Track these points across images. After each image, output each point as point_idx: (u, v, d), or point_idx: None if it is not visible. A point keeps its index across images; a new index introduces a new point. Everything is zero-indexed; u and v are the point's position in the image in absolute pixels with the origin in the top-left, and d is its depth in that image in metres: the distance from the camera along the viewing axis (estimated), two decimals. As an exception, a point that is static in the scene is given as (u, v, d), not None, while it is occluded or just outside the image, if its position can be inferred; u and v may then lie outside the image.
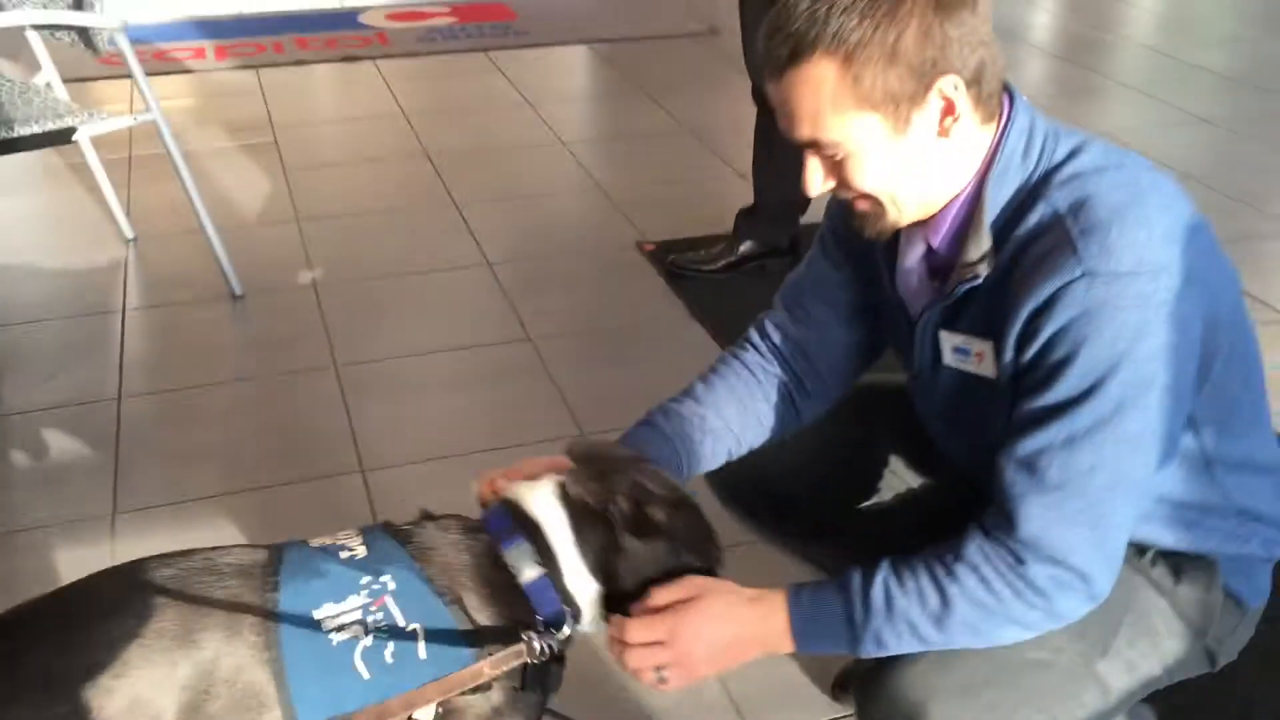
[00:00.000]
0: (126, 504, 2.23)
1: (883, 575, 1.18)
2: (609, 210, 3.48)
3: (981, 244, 1.17)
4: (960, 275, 1.20)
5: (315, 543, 1.23)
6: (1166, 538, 1.27)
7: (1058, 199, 1.13)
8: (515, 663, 1.16)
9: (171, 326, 2.88)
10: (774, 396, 1.44)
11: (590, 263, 3.18)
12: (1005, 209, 1.17)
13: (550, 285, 3.05)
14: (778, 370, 1.45)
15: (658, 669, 1.21)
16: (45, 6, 2.69)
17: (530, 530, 1.22)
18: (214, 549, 1.20)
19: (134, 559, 1.19)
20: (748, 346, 1.48)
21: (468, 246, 3.25)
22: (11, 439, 2.45)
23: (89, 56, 2.78)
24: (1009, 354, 1.15)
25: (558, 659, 1.21)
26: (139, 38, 5.03)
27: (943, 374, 1.26)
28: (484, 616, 1.19)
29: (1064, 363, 1.10)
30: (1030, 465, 1.12)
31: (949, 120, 1.14)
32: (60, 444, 2.43)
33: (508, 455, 1.36)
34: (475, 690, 1.16)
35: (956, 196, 1.21)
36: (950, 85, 1.12)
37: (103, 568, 1.20)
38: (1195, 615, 1.28)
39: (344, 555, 1.20)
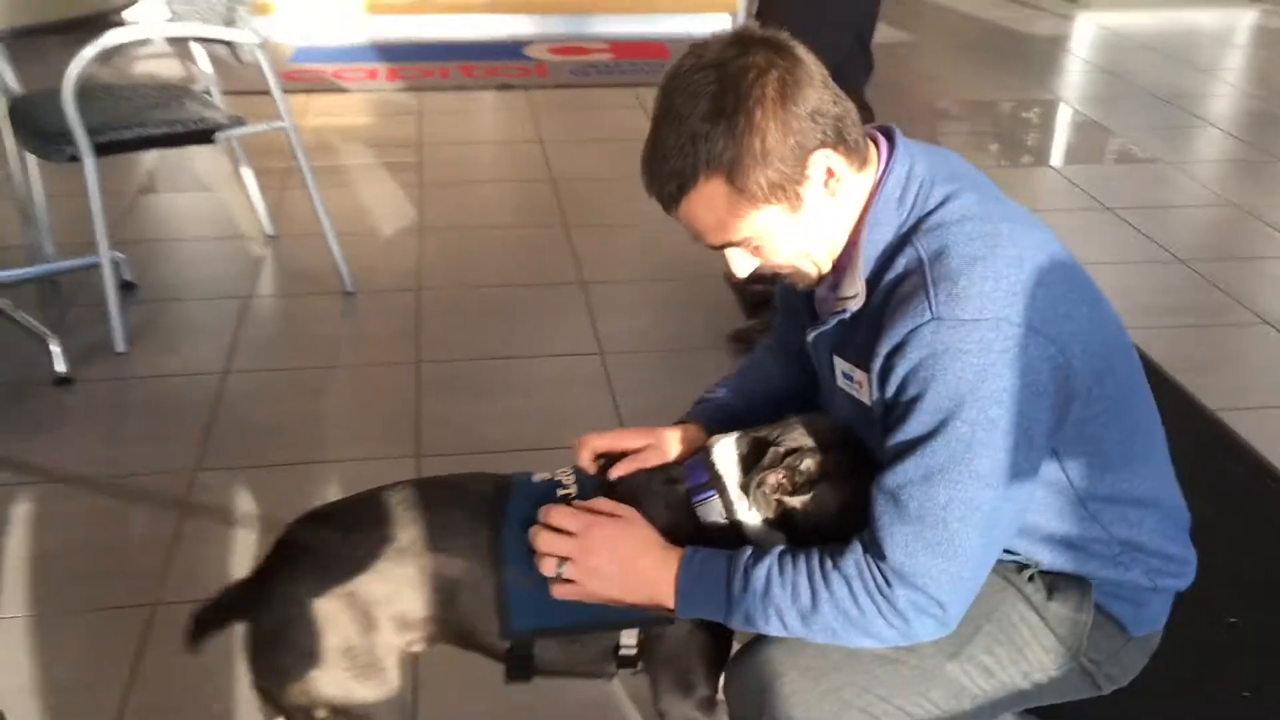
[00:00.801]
0: (210, 463, 2.50)
1: (770, 560, 1.26)
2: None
3: (855, 283, 1.27)
4: (833, 307, 1.30)
5: (537, 478, 1.42)
6: (1046, 559, 1.33)
7: (922, 245, 1.22)
8: None
9: (285, 315, 3.18)
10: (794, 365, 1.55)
11: (679, 289, 3.32)
12: (883, 251, 1.26)
13: (634, 306, 3.21)
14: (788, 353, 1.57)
15: (560, 561, 1.31)
16: (205, 21, 3.03)
17: (718, 484, 1.36)
18: (464, 475, 1.45)
19: (403, 480, 1.44)
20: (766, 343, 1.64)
21: (567, 265, 3.44)
22: (128, 397, 2.77)
23: (243, 66, 3.11)
24: (875, 388, 1.24)
25: None
26: (324, 57, 5.51)
27: (838, 395, 1.35)
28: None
29: (915, 400, 1.18)
30: (894, 497, 1.20)
31: (832, 182, 1.25)
32: (166, 406, 2.73)
33: (550, 457, 1.52)
34: (667, 621, 1.33)
35: (851, 237, 1.31)
36: (822, 157, 1.23)
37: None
38: (1065, 632, 1.33)
39: (560, 493, 1.39)
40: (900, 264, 1.23)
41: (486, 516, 1.39)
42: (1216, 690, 1.75)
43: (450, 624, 1.41)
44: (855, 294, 1.27)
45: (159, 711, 1.89)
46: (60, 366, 2.79)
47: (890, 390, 1.21)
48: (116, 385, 2.81)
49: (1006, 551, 1.32)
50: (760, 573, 1.26)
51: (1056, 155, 4.63)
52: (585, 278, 3.36)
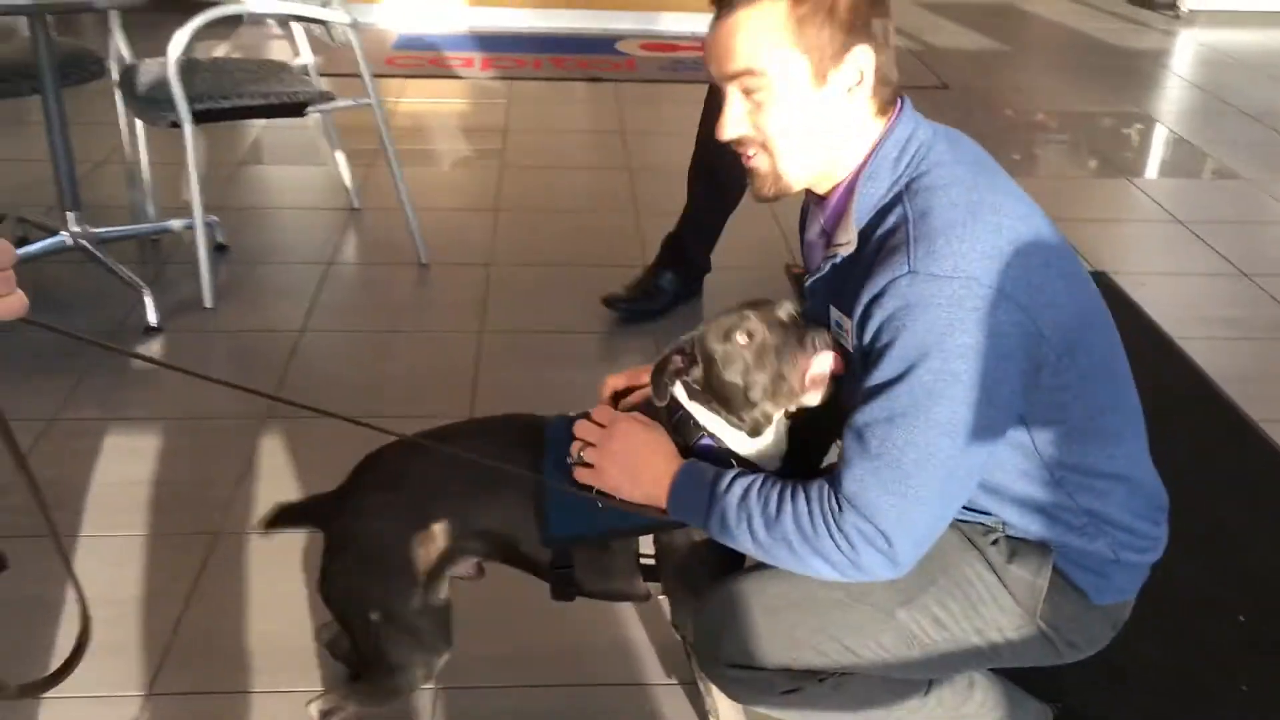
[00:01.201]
0: (276, 411, 2.68)
1: (753, 477, 1.37)
2: (773, 233, 3.72)
3: (849, 232, 1.36)
4: (827, 253, 1.39)
5: (573, 414, 1.60)
6: (1015, 520, 1.40)
7: (910, 204, 1.31)
8: None
9: (362, 281, 3.36)
10: None
11: (735, 276, 3.42)
12: (876, 205, 1.35)
13: (692, 291, 3.33)
14: None
15: (584, 446, 1.47)
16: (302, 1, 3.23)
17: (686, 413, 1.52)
18: (512, 415, 1.66)
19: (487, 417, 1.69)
20: None
21: (633, 249, 3.57)
22: (212, 348, 2.98)
23: (335, 45, 3.31)
24: (855, 335, 1.34)
25: None
26: (424, 45, 5.73)
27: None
28: None
29: (887, 347, 1.27)
30: (859, 434, 1.29)
31: (857, 89, 1.33)
32: (246, 357, 2.93)
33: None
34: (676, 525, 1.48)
35: (840, 183, 1.39)
36: (864, 55, 1.32)
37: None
38: (1023, 594, 1.40)
39: None
40: (890, 220, 1.31)
41: (529, 441, 1.57)
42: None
43: (501, 537, 1.57)
44: (848, 241, 1.35)
45: (213, 627, 2.07)
46: (151, 317, 3.01)
47: (867, 337, 1.30)
48: (201, 336, 3.02)
49: (978, 512, 1.41)
50: (740, 483, 1.37)
51: (1136, 168, 4.61)
52: (648, 261, 3.48)
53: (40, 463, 2.46)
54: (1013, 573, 1.41)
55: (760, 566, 1.48)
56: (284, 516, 1.65)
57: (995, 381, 1.26)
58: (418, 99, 4.95)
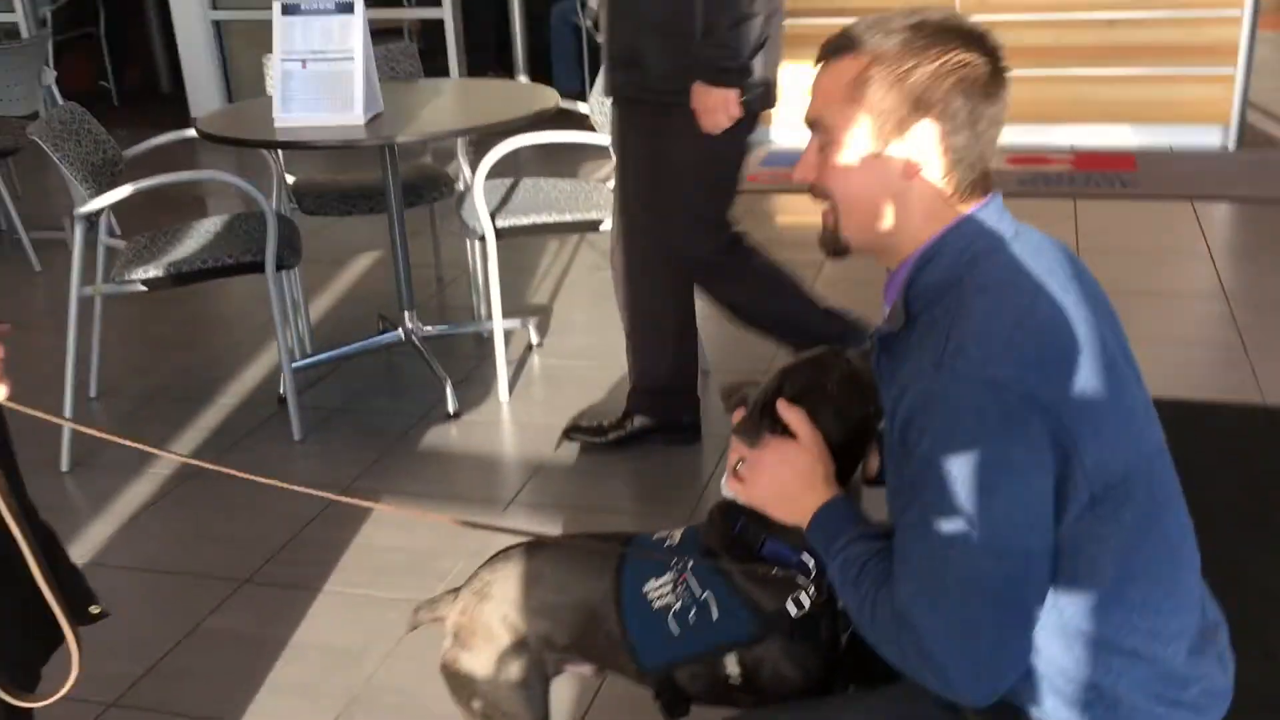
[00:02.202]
0: (521, 499, 2.95)
1: (878, 546, 1.31)
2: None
3: (897, 309, 1.32)
4: (880, 328, 1.36)
5: (656, 536, 1.69)
6: (1046, 703, 1.29)
7: (959, 300, 1.25)
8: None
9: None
10: None
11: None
12: (930, 289, 1.29)
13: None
14: None
15: (740, 460, 1.48)
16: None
17: None
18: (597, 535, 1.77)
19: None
20: None
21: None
22: (487, 438, 3.32)
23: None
24: (887, 419, 1.30)
25: (821, 612, 1.50)
26: (782, 162, 5.93)
27: None
28: (751, 584, 1.52)
29: (907, 451, 1.23)
30: (900, 543, 1.25)
31: (919, 162, 1.29)
32: (504, 451, 3.24)
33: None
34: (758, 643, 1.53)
35: (907, 259, 1.33)
36: (928, 131, 1.28)
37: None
38: None
39: (666, 544, 1.66)
40: (938, 311, 1.27)
41: (613, 568, 1.63)
42: None
43: (593, 653, 1.67)
44: (894, 319, 1.32)
45: (397, 686, 2.32)
46: (450, 406, 3.41)
47: (896, 433, 1.26)
48: (484, 427, 3.37)
49: None
50: (854, 557, 1.33)
51: None
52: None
53: (325, 524, 2.88)
54: None
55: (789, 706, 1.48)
56: (421, 611, 1.81)
57: (1034, 498, 1.18)
58: (749, 213, 5.17)
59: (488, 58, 7.76)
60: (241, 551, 2.79)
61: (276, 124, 3.19)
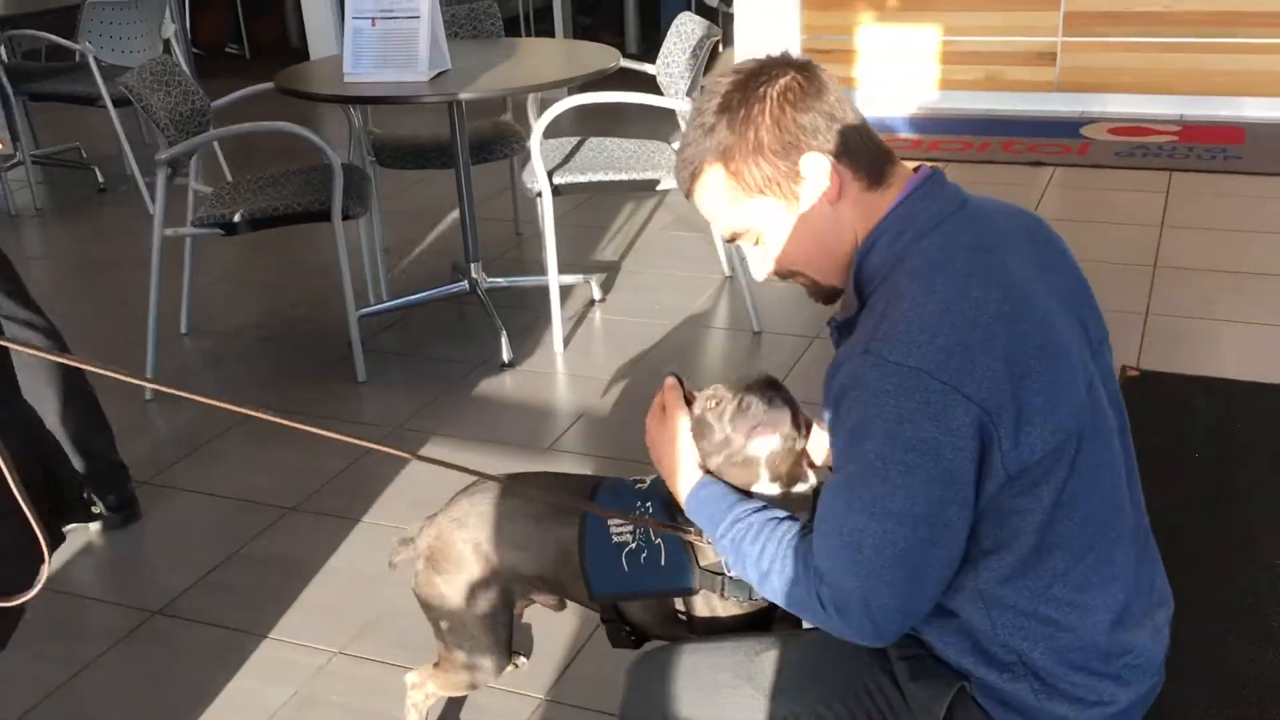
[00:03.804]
0: (561, 445, 3.06)
1: (767, 516, 1.38)
2: (1127, 334, 3.45)
3: (848, 295, 1.37)
4: (836, 317, 1.41)
5: (634, 478, 1.74)
6: (932, 638, 1.34)
7: (893, 285, 1.28)
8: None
9: (697, 344, 3.66)
10: None
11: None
12: (874, 275, 1.33)
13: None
14: None
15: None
16: (670, 92, 3.62)
17: None
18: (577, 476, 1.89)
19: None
20: None
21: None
22: (539, 387, 3.45)
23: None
24: (823, 403, 1.34)
25: None
26: (880, 128, 5.90)
27: None
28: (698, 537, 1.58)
29: (841, 424, 1.27)
30: (824, 507, 1.30)
31: (832, 194, 1.33)
32: (557, 397, 3.36)
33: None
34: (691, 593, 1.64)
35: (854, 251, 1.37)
36: (815, 160, 1.32)
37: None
38: (922, 716, 1.34)
39: (637, 485, 1.77)
40: (878, 295, 1.30)
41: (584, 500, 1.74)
42: None
43: (557, 584, 1.78)
44: (845, 305, 1.37)
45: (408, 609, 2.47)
46: (505, 354, 3.54)
47: (829, 410, 1.30)
48: (537, 376, 3.50)
49: None
50: (755, 519, 1.38)
51: None
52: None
53: (376, 460, 3.03)
54: (913, 690, 1.35)
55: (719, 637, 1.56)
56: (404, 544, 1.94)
57: (954, 478, 1.22)
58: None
59: (599, 21, 7.86)
60: (294, 481, 2.97)
61: (346, 79, 3.35)
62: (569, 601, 1.84)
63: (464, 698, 2.13)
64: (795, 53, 1.38)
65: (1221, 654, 2.14)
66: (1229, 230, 4.37)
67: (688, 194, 1.42)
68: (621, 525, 1.66)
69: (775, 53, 1.38)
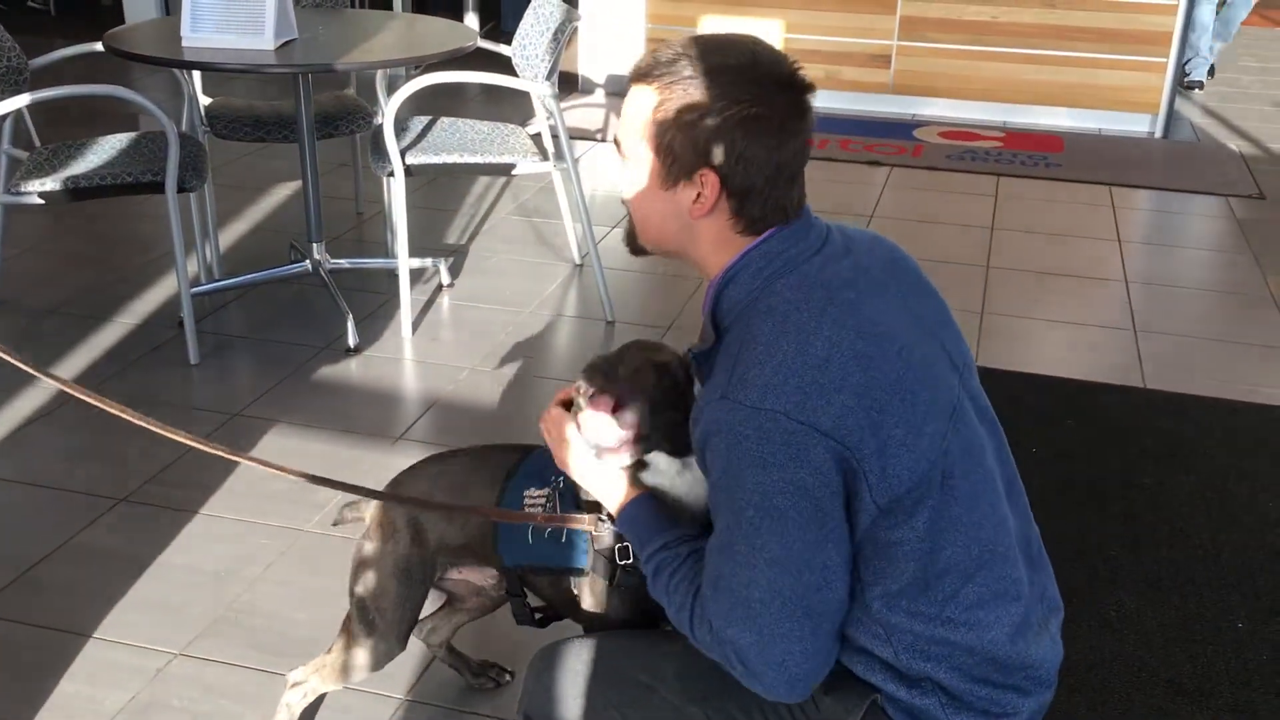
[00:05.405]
0: (410, 435, 2.97)
1: (690, 549, 1.35)
2: (966, 333, 3.58)
3: (706, 329, 1.37)
4: (694, 347, 1.40)
5: None
6: (841, 657, 1.33)
7: (748, 324, 1.28)
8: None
9: (549, 330, 3.61)
10: None
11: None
12: (731, 310, 1.33)
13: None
14: None
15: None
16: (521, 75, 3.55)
17: None
18: (507, 445, 1.80)
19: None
20: None
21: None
22: (384, 373, 3.34)
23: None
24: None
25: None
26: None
27: None
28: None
29: (710, 472, 1.27)
30: (708, 561, 1.29)
31: (701, 205, 1.31)
32: (401, 385, 3.26)
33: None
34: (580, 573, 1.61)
35: (713, 280, 1.36)
36: (711, 182, 1.29)
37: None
38: None
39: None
40: (732, 332, 1.31)
41: (503, 476, 1.71)
42: None
43: (480, 553, 1.73)
44: (703, 338, 1.37)
45: (259, 609, 2.34)
46: (351, 340, 3.41)
47: (697, 449, 1.30)
48: (384, 361, 3.38)
49: None
50: (679, 552, 1.36)
51: None
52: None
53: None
54: (827, 704, 1.35)
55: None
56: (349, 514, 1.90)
57: (826, 517, 1.22)
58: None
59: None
60: (124, 471, 2.79)
61: (184, 43, 3.15)
62: (478, 607, 1.86)
63: (321, 700, 2.03)
64: (785, 63, 1.33)
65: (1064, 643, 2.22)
66: (1052, 234, 4.59)
67: (635, 72, 1.36)
68: (536, 495, 1.65)
69: (799, 62, 1.33)
